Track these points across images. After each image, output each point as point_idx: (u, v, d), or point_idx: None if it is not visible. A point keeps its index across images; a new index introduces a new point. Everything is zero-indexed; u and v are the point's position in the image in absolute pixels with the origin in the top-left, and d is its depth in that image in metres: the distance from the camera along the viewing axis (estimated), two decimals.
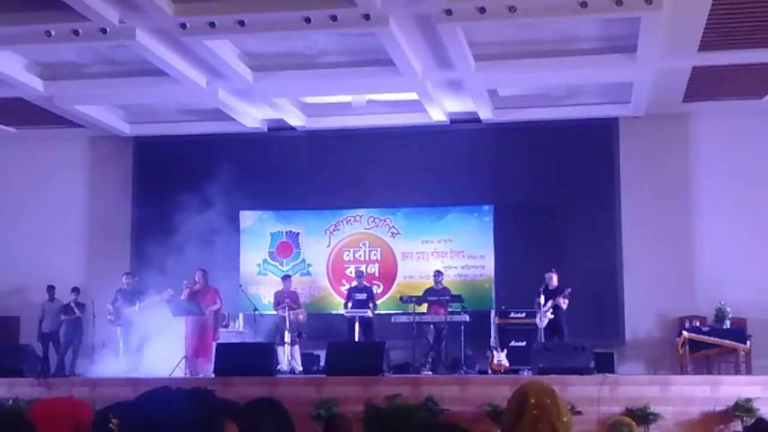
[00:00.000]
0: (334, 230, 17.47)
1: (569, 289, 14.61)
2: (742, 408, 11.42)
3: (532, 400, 3.35)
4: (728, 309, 14.84)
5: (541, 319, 14.57)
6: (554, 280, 14.78)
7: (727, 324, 14.79)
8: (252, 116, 17.14)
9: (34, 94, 15.40)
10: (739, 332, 14.62)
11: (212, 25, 12.41)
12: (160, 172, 17.72)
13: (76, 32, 12.64)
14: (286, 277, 16.04)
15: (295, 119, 17.15)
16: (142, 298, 15.25)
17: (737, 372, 13.86)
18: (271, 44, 13.93)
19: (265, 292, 17.01)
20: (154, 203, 17.04)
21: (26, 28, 12.65)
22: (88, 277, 17.20)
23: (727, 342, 14.32)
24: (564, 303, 14.59)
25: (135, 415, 2.23)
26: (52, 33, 12.69)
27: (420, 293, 15.58)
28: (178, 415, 2.22)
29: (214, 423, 2.29)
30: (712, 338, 14.40)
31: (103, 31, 12.57)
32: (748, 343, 14.38)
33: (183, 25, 12.48)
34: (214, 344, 14.08)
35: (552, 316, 14.59)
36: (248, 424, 3.84)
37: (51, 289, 16.61)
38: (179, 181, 16.61)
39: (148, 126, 17.79)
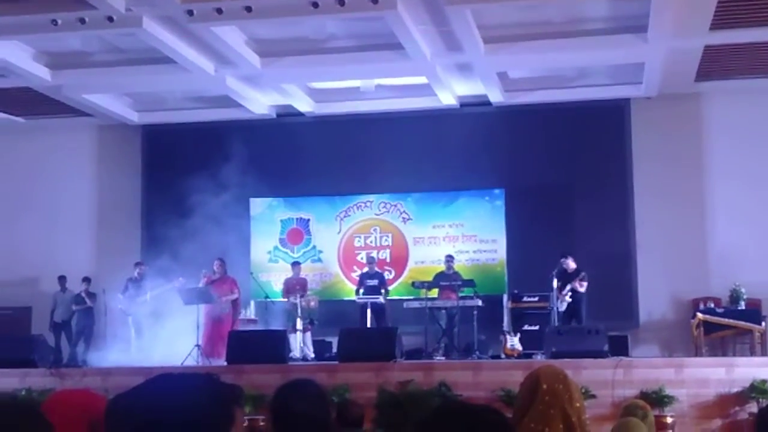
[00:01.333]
0: (344, 216, 17.41)
1: (584, 273, 14.53)
2: (757, 389, 11.36)
3: (544, 386, 3.32)
4: (743, 290, 14.77)
5: (560, 302, 14.49)
6: (570, 264, 14.69)
7: (742, 305, 14.72)
8: (260, 102, 17.07)
9: (41, 83, 15.37)
10: (754, 313, 14.55)
11: (219, 11, 12.34)
12: (169, 160, 17.67)
13: (82, 20, 12.58)
14: (295, 264, 16.01)
15: (304, 105, 17.08)
16: (153, 287, 15.22)
17: (752, 353, 13.80)
18: (278, 29, 13.85)
19: (276, 279, 16.96)
20: (164, 191, 16.99)
21: (33, 18, 12.61)
22: (99, 267, 17.19)
23: (741, 323, 14.25)
24: (582, 287, 14.51)
25: (134, 405, 2.16)
26: (59, 22, 12.63)
27: (431, 278, 15.52)
28: (182, 403, 2.15)
29: (223, 410, 2.23)
30: (726, 320, 14.33)
31: (110, 19, 12.51)
32: (763, 324, 14.32)
33: (190, 12, 12.41)
34: None
35: (570, 300, 14.53)
36: (283, 405, 3.81)
37: (62, 279, 16.61)
38: (188, 169, 16.54)
39: (157, 114, 17.74)
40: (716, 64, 14.90)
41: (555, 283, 14.46)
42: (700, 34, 13.40)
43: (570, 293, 14.49)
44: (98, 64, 15.01)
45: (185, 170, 16.59)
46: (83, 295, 16.28)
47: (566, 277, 14.57)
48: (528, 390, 3.37)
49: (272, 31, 13.91)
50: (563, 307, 14.48)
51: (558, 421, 3.27)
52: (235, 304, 15.08)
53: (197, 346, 14.25)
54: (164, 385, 2.20)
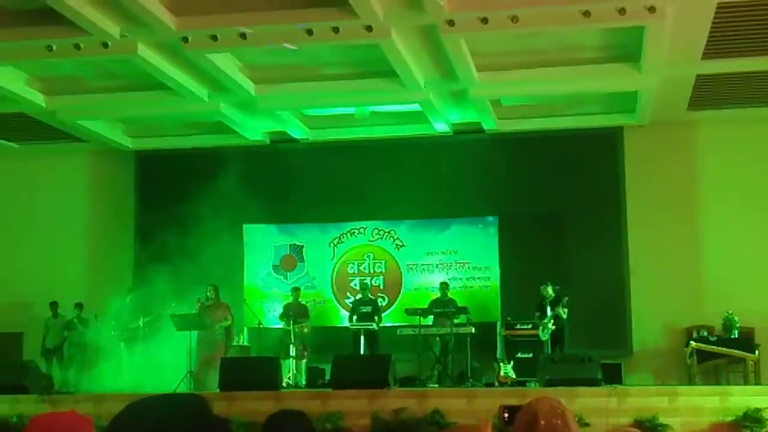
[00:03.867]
0: (338, 243, 17.40)
1: (566, 298, 14.56)
2: (751, 418, 11.32)
3: (542, 422, 3.27)
4: (736, 318, 14.75)
5: (543, 331, 14.52)
6: (549, 291, 14.72)
7: (736, 333, 14.69)
8: (255, 129, 17.10)
9: (36, 109, 15.39)
10: (747, 341, 14.55)
11: (214, 38, 12.38)
12: (162, 186, 17.65)
13: (77, 46, 12.62)
14: (295, 290, 15.99)
15: (298, 131, 17.12)
16: (146, 313, 15.17)
17: (746, 382, 13.76)
18: (273, 57, 13.89)
19: (269, 305, 16.93)
20: (157, 217, 16.93)
21: (27, 43, 12.65)
22: (91, 292, 17.10)
23: (735, 351, 14.24)
24: (563, 312, 14.53)
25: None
26: (54, 48, 12.67)
27: (425, 305, 15.51)
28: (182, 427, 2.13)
29: None
30: (720, 348, 14.31)
31: (105, 45, 12.55)
32: (757, 352, 14.29)
33: (185, 39, 12.47)
34: None
35: (554, 327, 14.54)
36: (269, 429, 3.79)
37: (54, 305, 16.55)
38: (182, 195, 16.52)
39: (151, 140, 17.76)
40: (708, 93, 14.98)
41: (537, 314, 14.55)
42: (692, 63, 13.49)
43: (552, 320, 14.53)
44: (93, 90, 15.04)
45: (179, 196, 16.57)
46: (75, 321, 16.21)
47: (550, 304, 14.59)
48: (525, 425, 3.32)
49: (267, 58, 13.95)
50: (547, 335, 14.51)
51: None
52: (227, 331, 15.03)
53: (189, 372, 14.19)
54: (140, 413, 2.16)
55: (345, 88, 14.61)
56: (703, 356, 14.30)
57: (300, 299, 15.78)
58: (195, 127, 17.24)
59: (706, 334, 14.92)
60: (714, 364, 14.53)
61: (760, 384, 13.46)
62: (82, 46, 12.60)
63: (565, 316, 14.56)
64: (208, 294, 14.93)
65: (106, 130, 17.17)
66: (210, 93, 14.99)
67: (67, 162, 18.31)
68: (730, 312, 14.83)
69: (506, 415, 3.89)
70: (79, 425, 3.80)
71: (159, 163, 17.94)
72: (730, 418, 11.53)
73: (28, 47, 12.79)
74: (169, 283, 15.04)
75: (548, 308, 14.58)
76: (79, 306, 16.33)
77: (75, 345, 16.17)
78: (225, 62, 13.74)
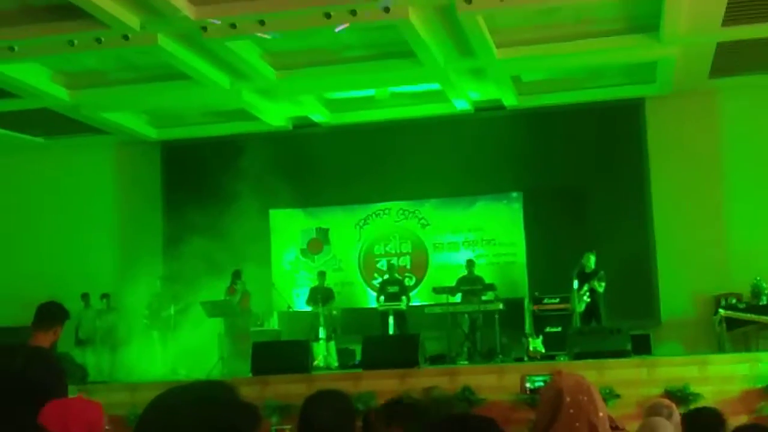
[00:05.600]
0: (363, 224, 17.48)
1: (602, 272, 14.56)
2: None
3: (568, 399, 3.26)
4: (764, 284, 14.71)
5: (579, 302, 14.50)
6: (592, 261, 14.70)
7: (764, 300, 14.66)
8: (277, 115, 17.17)
9: (60, 103, 15.52)
10: None
11: (233, 26, 12.44)
12: (188, 175, 17.80)
13: (98, 40, 12.71)
14: (321, 273, 16.10)
15: (320, 115, 17.18)
16: (177, 301, 15.34)
17: None
18: (293, 42, 13.94)
19: (298, 289, 17.07)
20: (184, 206, 17.05)
21: (49, 39, 12.74)
22: (122, 282, 17.27)
23: (764, 318, 14.20)
24: (600, 286, 14.53)
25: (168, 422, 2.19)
26: (75, 42, 12.77)
27: (452, 283, 15.58)
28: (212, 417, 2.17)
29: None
30: (749, 315, 14.29)
31: (125, 37, 12.63)
32: None
33: (204, 28, 12.53)
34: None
35: (589, 300, 14.54)
36: (309, 416, 3.87)
37: (85, 296, 16.72)
38: (208, 183, 16.70)
39: (175, 129, 17.89)
40: (729, 60, 14.88)
41: (575, 283, 14.48)
42: (712, 30, 13.40)
43: (588, 293, 14.51)
44: (115, 83, 15.15)
45: (205, 184, 16.74)
46: (105, 310, 16.39)
47: (585, 277, 14.59)
48: (550, 403, 3.30)
49: (286, 43, 14.00)
50: (582, 307, 14.50)
51: None
52: (243, 313, 15.16)
53: (221, 358, 14.37)
54: (188, 399, 2.21)
55: (365, 70, 14.65)
56: (732, 324, 14.28)
57: (326, 282, 15.88)
58: (218, 116, 17.34)
59: (734, 301, 14.89)
60: (743, 331, 14.52)
61: None
62: (103, 39, 12.69)
63: (601, 290, 14.55)
64: (243, 280, 15.03)
65: (130, 121, 17.31)
66: (231, 81, 15.06)
67: (94, 155, 18.47)
68: (758, 278, 14.79)
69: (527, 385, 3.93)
70: (89, 409, 3.90)
71: (184, 153, 18.06)
72: (761, 385, 11.57)
73: (50, 43, 12.89)
74: (198, 270, 15.20)
75: (585, 280, 14.55)
76: (106, 296, 16.50)
77: (106, 334, 16.34)
78: (245, 49, 13.80)
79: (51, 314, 5.62)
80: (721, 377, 11.74)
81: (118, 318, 16.26)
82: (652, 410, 5.83)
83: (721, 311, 14.37)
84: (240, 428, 2.19)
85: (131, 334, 15.59)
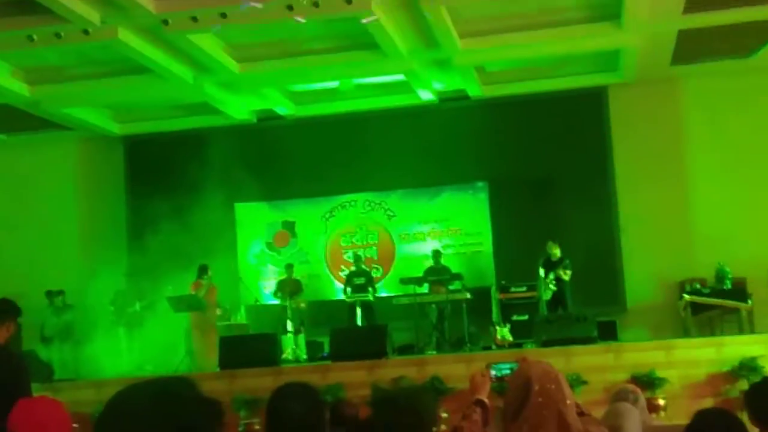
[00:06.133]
0: (329, 217, 17.46)
1: (568, 260, 14.65)
2: (747, 367, 11.49)
3: (536, 387, 3.28)
4: (728, 269, 14.85)
5: (545, 290, 14.58)
6: (557, 250, 14.78)
7: (728, 284, 14.79)
8: (241, 108, 17.10)
9: (20, 99, 15.36)
10: (740, 291, 14.62)
11: (194, 19, 12.36)
12: (152, 170, 17.67)
13: (58, 35, 12.59)
14: (289, 266, 16.07)
15: (284, 108, 17.13)
16: (142, 297, 15.25)
17: (741, 331, 13.88)
18: (255, 35, 13.88)
19: (264, 282, 17.03)
20: (149, 201, 16.88)
21: (8, 35, 12.61)
22: (87, 279, 17.14)
23: (728, 302, 14.33)
24: (566, 274, 14.61)
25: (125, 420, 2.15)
26: (35, 38, 12.64)
27: (419, 274, 15.61)
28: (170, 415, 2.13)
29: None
30: (713, 299, 14.42)
31: (86, 32, 12.52)
32: (750, 301, 14.40)
33: (165, 21, 12.44)
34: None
35: (555, 288, 14.62)
36: (277, 408, 3.85)
37: (50, 293, 16.58)
38: (172, 178, 16.59)
39: (138, 124, 17.76)
40: (691, 48, 14.99)
41: (541, 271, 14.55)
42: (673, 18, 13.50)
43: (554, 281, 14.60)
44: (76, 78, 15.02)
45: (169, 179, 16.64)
46: (61, 307, 16.26)
47: (551, 265, 14.68)
48: (519, 390, 3.33)
49: (249, 36, 13.93)
50: (548, 295, 14.59)
51: (552, 422, 3.25)
52: (210, 306, 15.08)
53: (189, 353, 14.31)
54: (148, 396, 2.18)
55: (328, 62, 14.61)
56: (697, 308, 14.41)
57: (293, 275, 15.85)
58: (181, 109, 17.24)
59: (699, 286, 15.03)
60: (708, 315, 14.65)
61: (754, 333, 13.58)
62: (62, 34, 12.57)
63: (567, 278, 14.63)
64: (210, 274, 14.96)
65: (92, 117, 17.16)
66: (194, 74, 14.97)
67: (56, 151, 18.29)
68: (721, 263, 14.92)
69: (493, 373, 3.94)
70: (54, 408, 3.87)
71: (147, 147, 17.94)
72: (726, 368, 11.69)
73: (9, 38, 12.75)
74: (163, 265, 15.12)
75: (550, 268, 14.63)
76: (60, 293, 16.35)
77: (63, 332, 16.19)
78: (207, 42, 13.72)
79: (0, 311, 5.57)
80: (687, 361, 11.85)
81: (75, 315, 16.13)
82: (618, 395, 5.89)
83: (686, 296, 14.50)
84: (201, 425, 2.16)
85: (95, 330, 15.46)
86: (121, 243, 17.68)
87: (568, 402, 3.30)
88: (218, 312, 15.08)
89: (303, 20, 12.34)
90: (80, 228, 18.20)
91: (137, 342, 15.01)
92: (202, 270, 14.95)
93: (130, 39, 13.05)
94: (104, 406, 2.18)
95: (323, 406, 3.98)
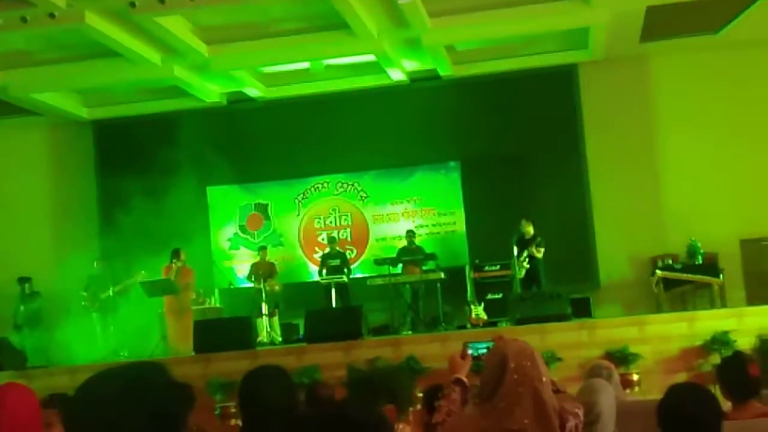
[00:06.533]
0: (303, 198, 17.43)
1: (540, 238, 14.70)
2: (719, 341, 11.59)
3: (512, 364, 3.31)
4: (699, 244, 14.96)
5: (519, 269, 14.62)
6: (530, 228, 14.82)
7: (700, 259, 14.91)
8: (211, 90, 16.99)
9: None
10: (711, 267, 14.76)
11: (162, 1, 12.25)
12: (122, 154, 17.52)
13: (24, 19, 12.45)
14: (262, 248, 16.04)
15: (255, 90, 17.04)
16: (116, 282, 15.17)
17: (712, 306, 14.00)
18: (224, 16, 13.78)
19: (238, 265, 16.99)
20: (119, 186, 16.71)
21: None
22: (58, 265, 17.01)
23: (700, 277, 14.46)
24: (539, 252, 14.66)
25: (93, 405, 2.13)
26: (0, 22, 12.48)
27: (393, 254, 15.63)
28: (141, 399, 2.11)
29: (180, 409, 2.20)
30: (685, 274, 14.53)
31: (52, 15, 12.38)
32: (722, 276, 14.53)
33: (132, 4, 12.31)
34: None
35: (528, 266, 14.67)
36: (250, 392, 3.84)
37: (22, 280, 16.47)
38: (143, 162, 16.46)
39: (107, 108, 17.61)
40: (660, 24, 15.03)
41: (514, 249, 14.60)
42: None
43: (527, 259, 14.65)
44: (44, 62, 14.86)
45: (140, 163, 16.51)
46: (27, 293, 16.16)
47: (524, 243, 14.73)
48: (495, 368, 3.34)
49: (218, 17, 13.84)
50: (522, 273, 14.64)
51: (528, 399, 3.27)
52: (187, 289, 15.02)
53: (163, 337, 14.27)
54: (119, 380, 2.16)
55: (298, 43, 14.54)
56: (669, 284, 14.51)
57: (267, 258, 15.81)
58: (150, 93, 17.10)
59: (671, 262, 15.12)
60: (680, 290, 14.77)
61: (725, 307, 13.70)
62: (28, 18, 12.43)
63: (540, 256, 14.68)
64: (182, 258, 14.89)
65: (61, 102, 17.00)
66: (162, 57, 14.85)
67: (25, 137, 18.12)
68: (693, 239, 15.04)
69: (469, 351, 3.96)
70: (23, 395, 3.84)
71: (117, 131, 17.79)
72: (698, 343, 11.80)
73: None
74: (136, 250, 15.06)
75: (524, 246, 14.66)
76: (26, 280, 16.24)
77: (31, 319, 16.08)
78: (175, 25, 13.61)
79: None
80: (660, 337, 11.95)
81: (42, 302, 16.04)
82: (592, 372, 5.93)
83: (658, 272, 14.59)
84: (173, 410, 2.15)
85: (68, 316, 15.37)
86: (92, 228, 17.57)
87: (544, 379, 3.32)
88: (193, 296, 15.03)
89: None
90: (51, 214, 18.06)
91: (111, 327, 14.94)
92: (174, 254, 14.86)
93: (97, 22, 12.92)
94: (75, 392, 2.16)
95: (296, 388, 3.97)
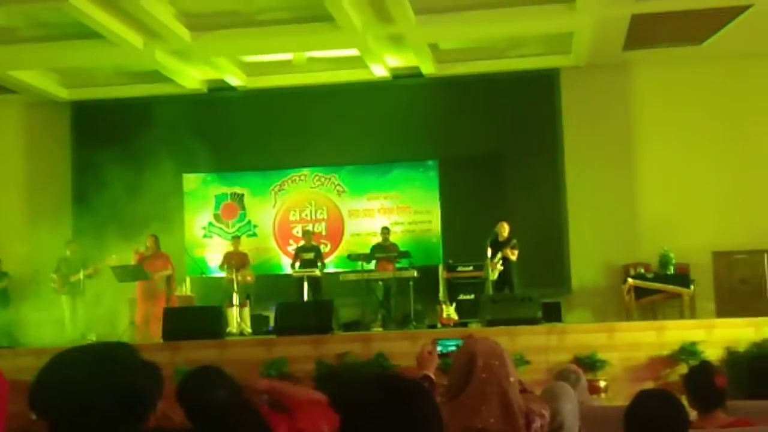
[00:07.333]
0: (279, 190, 17.36)
1: (515, 241, 14.71)
2: (687, 351, 11.62)
3: (480, 362, 3.29)
4: (671, 255, 15.03)
5: (492, 270, 14.62)
6: (505, 230, 14.82)
7: (671, 269, 14.98)
8: (191, 77, 16.89)
9: None
10: (683, 277, 14.84)
11: None
12: (99, 137, 17.35)
13: None
14: (235, 238, 15.98)
15: (236, 79, 16.95)
16: (86, 265, 15.06)
17: (682, 316, 14.07)
18: (208, 3, 13.70)
19: (211, 254, 16.90)
20: (95, 168, 16.58)
21: None
22: (30, 246, 16.87)
23: (671, 287, 14.54)
24: (513, 254, 14.67)
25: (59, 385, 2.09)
26: None
27: (367, 250, 15.60)
28: (111, 379, 2.07)
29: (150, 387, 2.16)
30: (656, 284, 14.60)
31: None
32: (692, 287, 14.61)
33: None
34: None
35: (502, 268, 14.68)
36: (193, 391, 3.79)
37: None
38: (119, 146, 16.29)
39: (86, 90, 17.47)
40: (643, 33, 15.07)
41: (488, 251, 14.59)
42: (627, 2, 13.57)
43: (501, 261, 14.66)
44: (24, 40, 14.69)
45: (116, 147, 16.32)
46: None
47: (499, 245, 14.73)
48: (463, 366, 3.33)
49: (202, 4, 13.75)
50: (495, 275, 14.64)
51: (495, 398, 3.26)
52: (169, 281, 14.98)
53: (131, 323, 14.18)
54: (87, 358, 2.12)
55: (281, 34, 14.46)
56: (640, 293, 14.58)
57: (240, 248, 15.75)
58: (130, 76, 16.97)
59: (642, 271, 15.18)
60: (651, 300, 14.83)
61: (695, 318, 13.77)
62: None
63: (514, 258, 14.68)
64: (147, 244, 14.84)
65: (40, 81, 16.85)
66: (144, 41, 14.74)
67: (1, 115, 17.96)
68: (665, 249, 15.10)
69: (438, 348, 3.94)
70: None
71: (95, 113, 17.67)
72: (666, 352, 11.83)
73: None
74: (108, 234, 14.96)
75: (498, 248, 14.66)
76: None
77: (3, 298, 15.95)
78: (159, 9, 13.52)
79: None
80: (629, 344, 11.97)
81: (10, 282, 15.90)
82: (559, 375, 5.93)
83: (630, 280, 14.66)
84: (142, 391, 2.11)
85: (37, 298, 15.24)
86: (65, 210, 17.44)
87: (512, 379, 3.31)
88: (163, 286, 14.87)
89: None
90: (24, 195, 17.92)
91: (80, 311, 14.83)
92: (149, 239, 14.82)
93: (80, 3, 12.81)
94: (41, 369, 2.12)
95: (241, 389, 3.93)
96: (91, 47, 14.66)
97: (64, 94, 17.56)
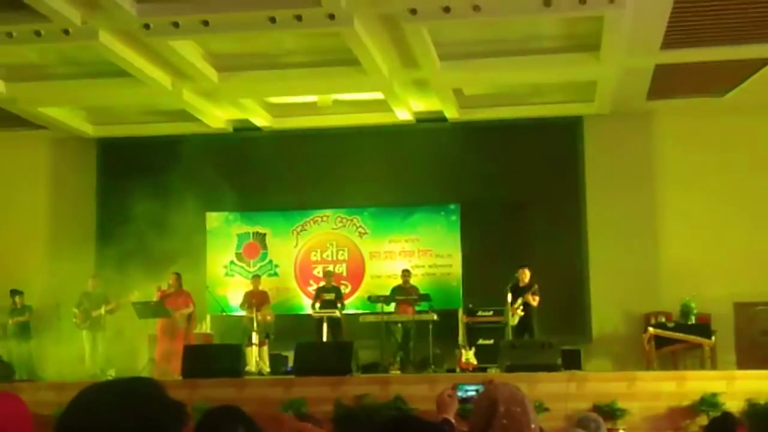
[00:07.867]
0: (301, 230, 17.42)
1: (536, 286, 14.67)
2: (707, 403, 11.55)
3: (502, 408, 3.26)
4: (693, 305, 14.96)
5: (512, 316, 14.58)
6: (526, 276, 14.80)
7: (692, 319, 14.90)
8: (217, 117, 17.05)
9: None
10: (704, 327, 14.75)
11: (176, 25, 12.33)
12: (124, 174, 17.50)
13: (38, 33, 12.52)
14: (255, 277, 16.03)
15: (261, 119, 17.10)
16: (108, 301, 15.14)
17: (702, 367, 13.98)
18: (236, 44, 13.87)
19: (232, 293, 16.94)
20: (119, 205, 16.80)
21: None
22: (53, 280, 16.98)
23: (692, 337, 14.45)
24: (534, 300, 14.63)
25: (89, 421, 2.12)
26: (14, 34, 12.55)
27: (387, 292, 15.60)
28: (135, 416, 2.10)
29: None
30: (677, 334, 14.52)
31: (66, 32, 12.45)
32: (713, 338, 14.52)
33: (146, 26, 12.40)
34: None
35: (523, 313, 14.63)
36: (212, 430, 3.80)
37: (13, 293, 16.40)
38: (144, 183, 16.45)
39: (113, 127, 17.64)
40: (667, 83, 15.14)
41: (509, 296, 14.57)
42: (651, 52, 13.63)
43: (522, 307, 14.62)
44: (54, 77, 14.91)
45: (141, 184, 16.48)
46: (18, 306, 16.09)
47: (519, 291, 14.70)
48: (484, 411, 3.30)
49: (229, 45, 13.93)
50: (515, 321, 14.60)
51: None
52: (189, 318, 15.05)
53: (151, 359, 14.22)
54: (113, 394, 2.15)
55: (307, 77, 14.61)
56: (660, 342, 14.49)
57: (260, 287, 15.80)
58: (157, 115, 17.15)
59: (663, 320, 15.10)
60: (671, 350, 14.74)
61: (715, 369, 13.68)
62: (42, 32, 12.50)
63: (535, 303, 14.63)
64: (170, 282, 14.93)
65: (68, 117, 17.05)
66: (172, 80, 14.92)
67: (28, 149, 18.15)
68: (687, 299, 15.03)
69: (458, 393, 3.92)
70: (13, 403, 3.81)
71: (121, 151, 17.83)
72: (686, 403, 11.76)
73: None
74: (131, 270, 15.04)
75: (519, 294, 14.61)
76: (18, 293, 16.15)
77: (19, 333, 16.00)
78: (187, 50, 13.69)
79: None
80: (649, 394, 11.91)
81: (32, 316, 15.97)
82: (580, 423, 5.90)
83: (651, 329, 14.58)
84: (167, 426, 2.14)
85: (58, 333, 15.32)
86: (89, 246, 17.54)
87: (533, 426, 3.30)
88: (184, 323, 14.92)
89: None
90: (49, 229, 18.04)
91: (100, 347, 14.88)
92: (172, 276, 14.92)
93: (110, 41, 13.00)
94: (68, 404, 2.15)
95: (259, 429, 3.93)
96: (120, 85, 14.85)
97: (90, 130, 17.74)
